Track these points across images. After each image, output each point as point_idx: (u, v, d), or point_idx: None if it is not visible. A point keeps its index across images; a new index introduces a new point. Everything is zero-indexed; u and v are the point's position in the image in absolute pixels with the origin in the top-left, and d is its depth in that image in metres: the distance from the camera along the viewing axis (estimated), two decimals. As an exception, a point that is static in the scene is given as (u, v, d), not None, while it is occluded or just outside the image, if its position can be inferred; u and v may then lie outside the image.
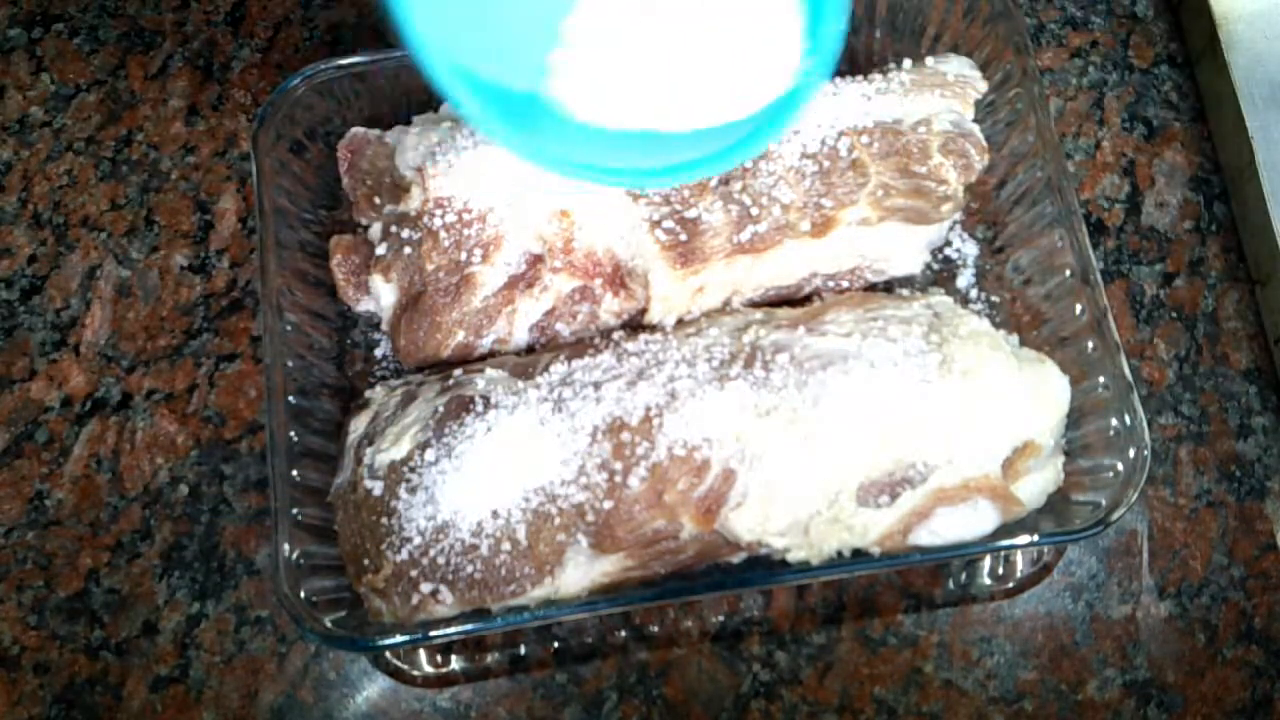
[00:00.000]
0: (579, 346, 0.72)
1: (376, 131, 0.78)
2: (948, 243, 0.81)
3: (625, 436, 0.65)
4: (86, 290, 0.83)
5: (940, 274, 0.80)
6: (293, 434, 0.69)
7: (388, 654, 0.73)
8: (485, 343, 0.73)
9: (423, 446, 0.66)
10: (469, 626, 0.65)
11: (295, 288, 0.75)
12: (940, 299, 0.73)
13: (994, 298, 0.79)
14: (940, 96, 0.75)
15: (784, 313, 0.73)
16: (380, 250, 0.73)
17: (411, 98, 0.80)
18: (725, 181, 0.71)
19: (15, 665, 0.73)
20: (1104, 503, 0.67)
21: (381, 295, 0.74)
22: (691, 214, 0.71)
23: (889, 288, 0.78)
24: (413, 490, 0.65)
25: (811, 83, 0.59)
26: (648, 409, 0.66)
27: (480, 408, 0.67)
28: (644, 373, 0.67)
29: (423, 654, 0.73)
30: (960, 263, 0.80)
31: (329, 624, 0.64)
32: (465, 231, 0.71)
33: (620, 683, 0.72)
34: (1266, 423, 0.78)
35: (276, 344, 0.71)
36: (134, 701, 0.73)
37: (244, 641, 0.74)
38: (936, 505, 0.66)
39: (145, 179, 0.86)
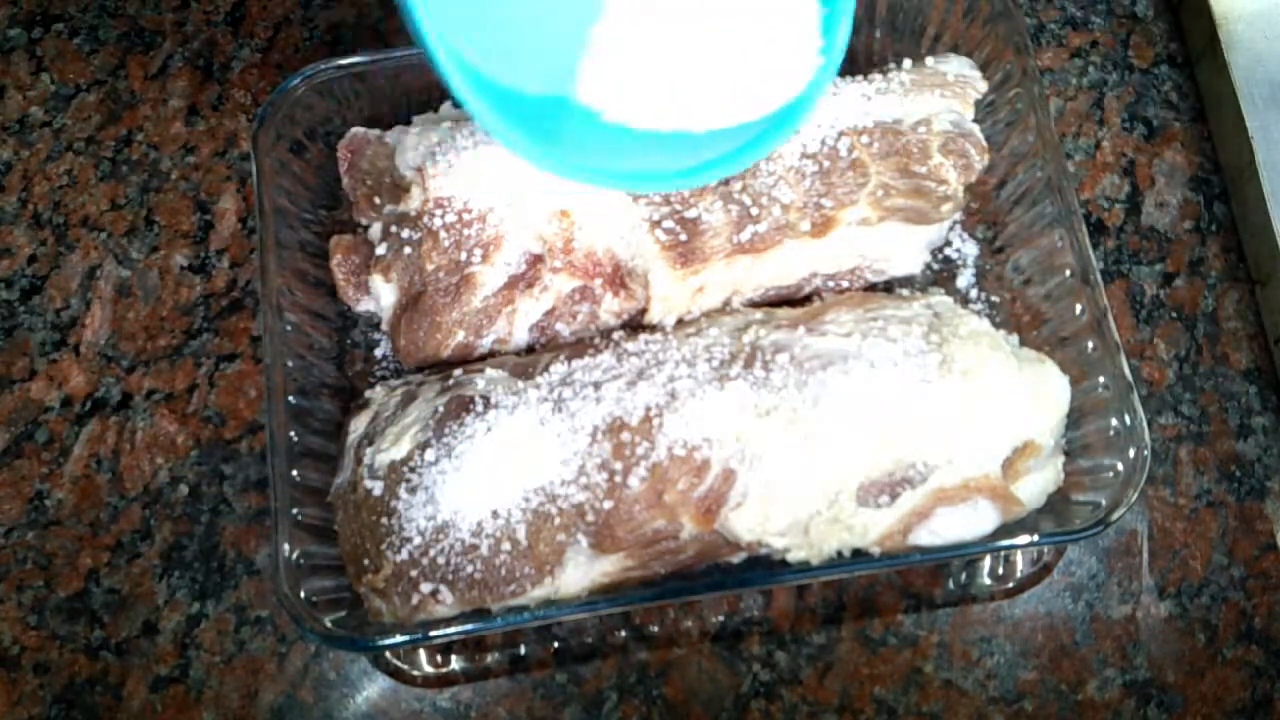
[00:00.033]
0: (579, 346, 0.72)
1: (376, 131, 0.78)
2: (948, 243, 0.81)
3: (625, 436, 0.65)
4: (86, 290, 0.83)
5: (940, 274, 0.80)
6: (293, 434, 0.69)
7: (388, 654, 0.73)
8: (485, 343, 0.73)
9: (423, 446, 0.66)
10: (469, 626, 0.65)
11: (295, 288, 0.75)
12: (940, 299, 0.73)
13: (994, 298, 0.79)
14: (940, 96, 0.75)
15: (784, 313, 0.73)
16: (380, 250, 0.73)
17: (411, 98, 0.80)
18: (725, 181, 0.71)
19: (15, 665, 0.73)
20: (1104, 503, 0.67)
21: (381, 295, 0.74)
22: (691, 214, 0.71)
23: (889, 288, 0.78)
24: (413, 490, 0.65)
25: (825, 79, 0.60)
26: (648, 409, 0.66)
27: (480, 408, 0.67)
28: (644, 373, 0.67)
29: (423, 654, 0.73)
30: (960, 263, 0.80)
31: (329, 624, 0.64)
32: (465, 231, 0.71)
33: (620, 683, 0.72)
34: (1266, 423, 0.78)
35: (276, 344, 0.71)
36: (134, 701, 0.73)
37: (244, 641, 0.74)
38: (936, 505, 0.66)
39: (145, 179, 0.86)
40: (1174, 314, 0.81)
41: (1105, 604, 0.74)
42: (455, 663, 0.73)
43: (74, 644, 0.74)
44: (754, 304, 0.76)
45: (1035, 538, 0.66)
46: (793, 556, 0.68)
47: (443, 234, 0.71)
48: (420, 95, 0.79)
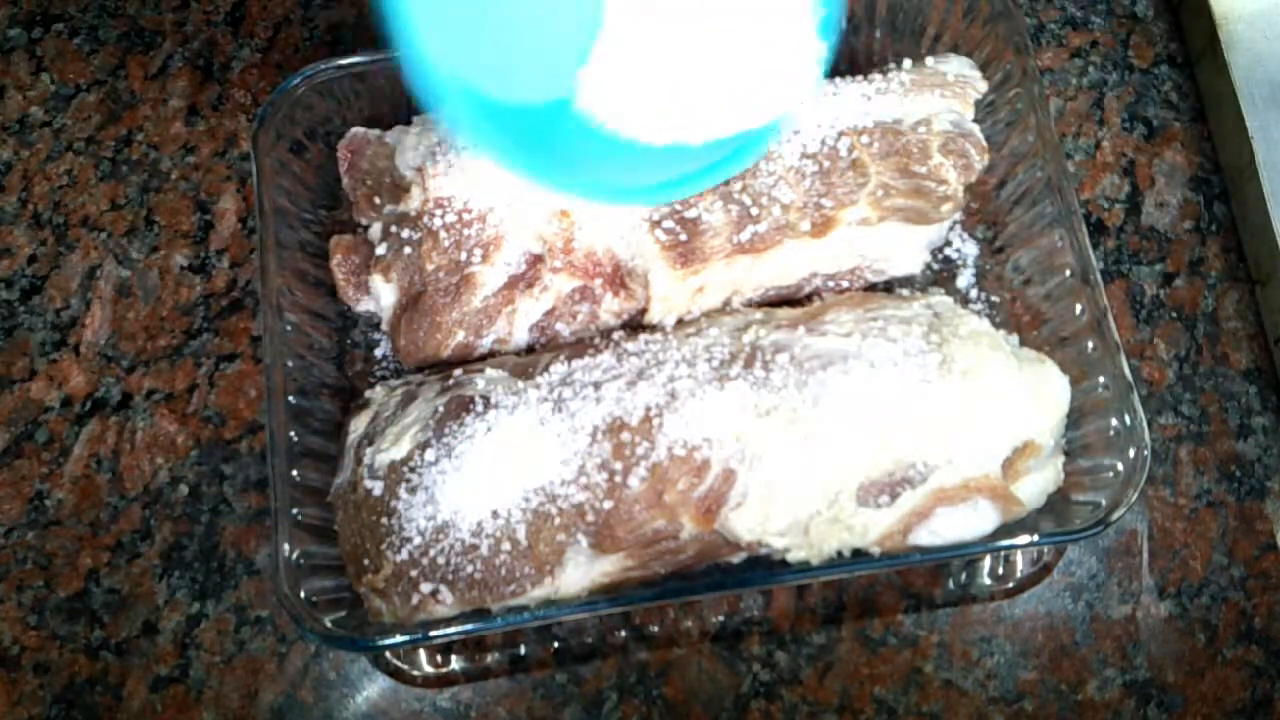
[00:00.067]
0: (579, 346, 0.72)
1: (376, 131, 0.78)
2: (948, 243, 0.81)
3: (625, 436, 0.65)
4: (86, 290, 0.83)
5: (940, 274, 0.80)
6: (293, 434, 0.69)
7: (388, 654, 0.73)
8: (485, 343, 0.73)
9: (423, 446, 0.66)
10: (469, 626, 0.65)
11: (295, 288, 0.75)
12: (940, 299, 0.73)
13: (994, 298, 0.79)
14: (940, 96, 0.75)
15: (784, 313, 0.73)
16: (380, 250, 0.73)
17: (412, 98, 0.79)
18: (725, 181, 0.71)
19: (15, 665, 0.73)
20: (1104, 503, 0.67)
21: (381, 295, 0.74)
22: (691, 214, 0.71)
23: (889, 288, 0.78)
24: (413, 490, 0.65)
25: (811, 87, 0.60)
26: (648, 409, 0.66)
27: (480, 408, 0.67)
28: (644, 373, 0.67)
29: (423, 654, 0.73)
30: (960, 263, 0.80)
31: (329, 624, 0.64)
32: (465, 231, 0.71)
33: (620, 683, 0.72)
34: (1266, 423, 0.78)
35: (276, 344, 0.71)
36: (134, 701, 0.73)
37: (244, 641, 0.74)
38: (936, 505, 0.66)
39: (145, 179, 0.86)
40: (1174, 314, 0.81)
41: (1105, 604, 0.74)
42: (455, 663, 0.73)
43: (74, 644, 0.74)
44: (754, 304, 0.76)
45: (1035, 538, 0.66)
46: (793, 556, 0.68)
47: (443, 234, 0.71)
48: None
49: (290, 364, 0.71)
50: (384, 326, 0.76)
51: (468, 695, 0.72)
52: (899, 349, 0.67)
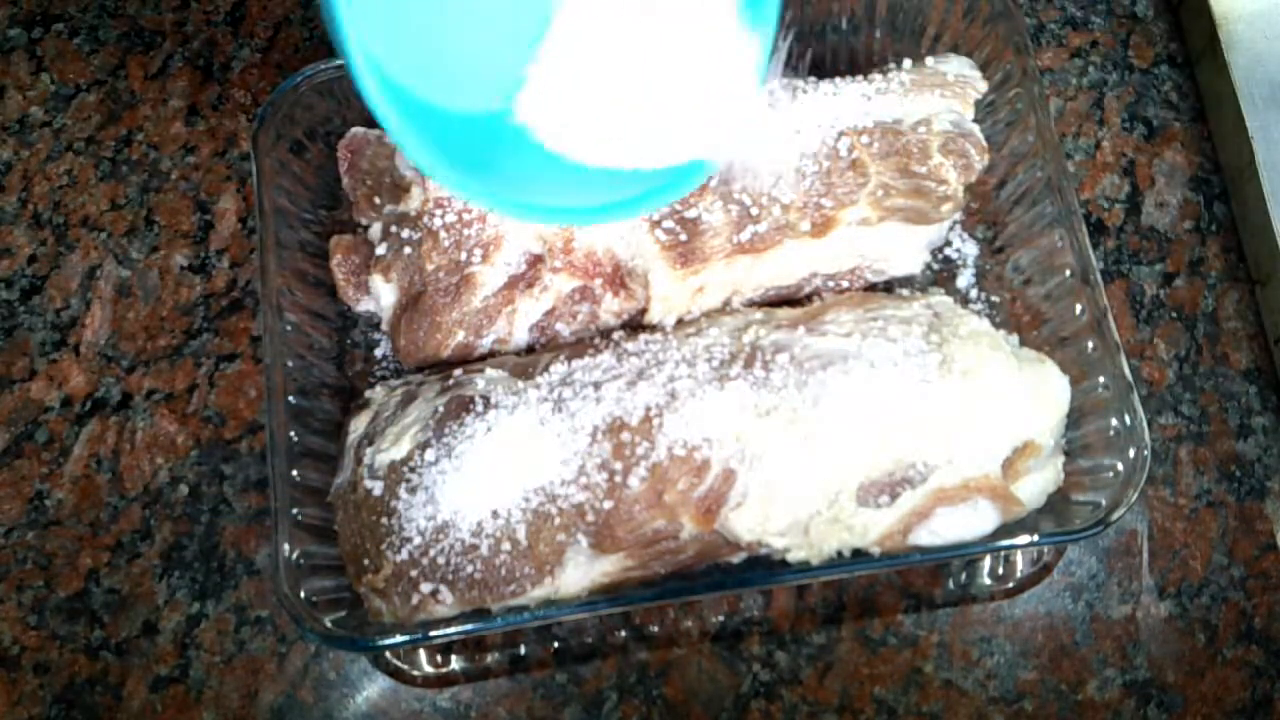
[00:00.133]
0: (579, 346, 0.72)
1: (376, 131, 0.78)
2: (948, 243, 0.81)
3: (625, 436, 0.65)
4: (86, 290, 0.83)
5: (940, 274, 0.80)
6: (293, 434, 0.69)
7: (388, 654, 0.73)
8: (485, 343, 0.73)
9: (423, 446, 0.66)
10: (469, 626, 0.65)
11: (295, 288, 0.75)
12: (940, 299, 0.73)
13: (994, 298, 0.79)
14: (940, 96, 0.75)
15: (784, 313, 0.73)
16: (380, 250, 0.73)
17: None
18: (725, 181, 0.71)
19: (15, 665, 0.73)
20: (1104, 503, 0.67)
21: (381, 295, 0.74)
22: (691, 214, 0.71)
23: (889, 288, 0.78)
24: (413, 490, 0.65)
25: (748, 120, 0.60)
26: (648, 409, 0.66)
27: (480, 408, 0.67)
28: (644, 373, 0.67)
29: (423, 654, 0.73)
30: (960, 263, 0.80)
31: (329, 624, 0.64)
32: (465, 231, 0.71)
33: (620, 683, 0.72)
34: (1266, 423, 0.78)
35: (276, 344, 0.71)
36: (134, 701, 0.73)
37: (244, 641, 0.74)
38: (936, 505, 0.66)
39: (145, 179, 0.86)
40: (1174, 314, 0.81)
41: (1105, 604, 0.74)
42: (455, 663, 0.73)
43: (74, 644, 0.74)
44: (754, 304, 0.76)
45: (1035, 538, 0.66)
46: (793, 556, 0.68)
47: (443, 234, 0.71)
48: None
49: (290, 364, 0.71)
50: (384, 326, 0.76)
51: (468, 695, 0.72)
52: (899, 349, 0.67)
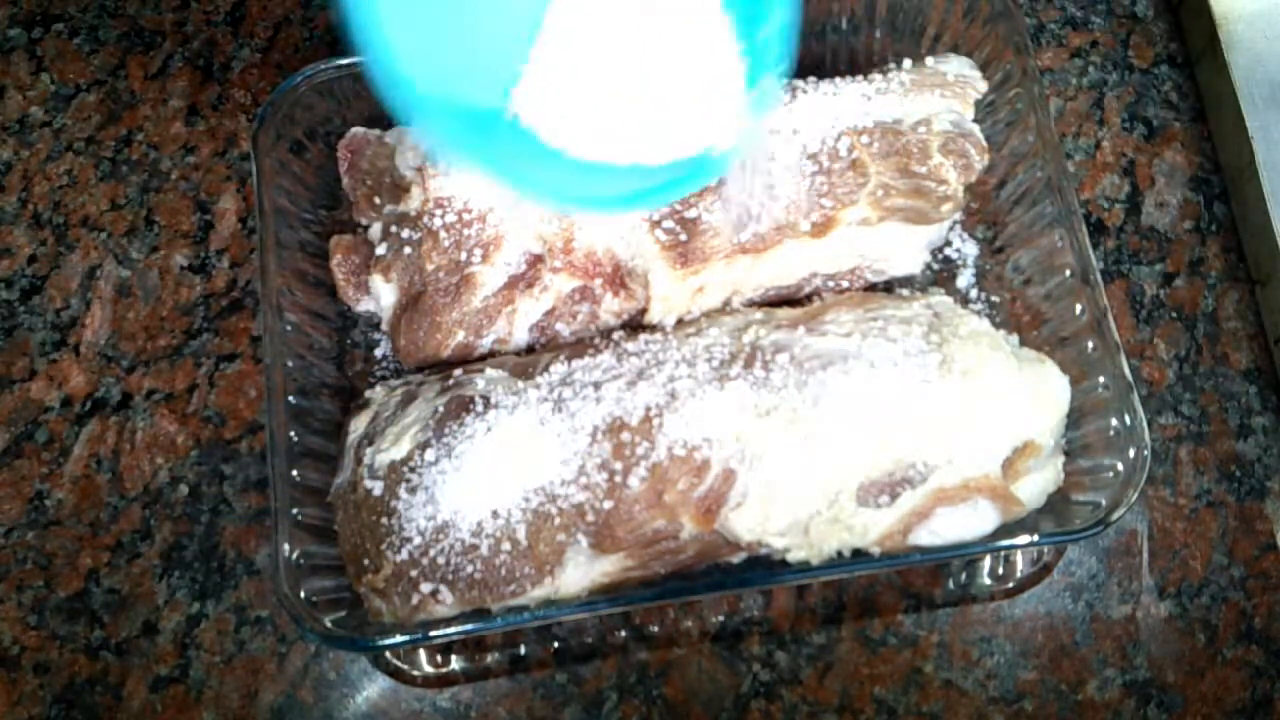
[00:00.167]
0: (579, 346, 0.72)
1: (376, 131, 0.78)
2: (948, 243, 0.81)
3: (625, 436, 0.65)
4: (86, 290, 0.83)
5: (940, 274, 0.80)
6: (293, 434, 0.69)
7: (388, 654, 0.73)
8: (485, 343, 0.73)
9: (423, 446, 0.66)
10: (469, 626, 0.65)
11: (295, 288, 0.75)
12: (940, 299, 0.73)
13: (994, 298, 0.79)
14: (940, 96, 0.75)
15: (784, 313, 0.73)
16: (380, 250, 0.73)
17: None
18: (725, 181, 0.71)
19: (15, 665, 0.73)
20: (1104, 503, 0.67)
21: (381, 295, 0.74)
22: (691, 214, 0.71)
23: (889, 288, 0.78)
24: (413, 490, 0.65)
25: (748, 133, 0.60)
26: (648, 409, 0.66)
27: (480, 408, 0.67)
28: (644, 373, 0.67)
29: (423, 654, 0.73)
30: (960, 263, 0.80)
31: (329, 624, 0.64)
32: (465, 231, 0.71)
33: (620, 683, 0.72)
34: (1266, 423, 0.78)
35: (276, 344, 0.71)
36: (134, 701, 0.73)
37: (244, 641, 0.74)
38: (936, 505, 0.66)
39: (145, 179, 0.86)
40: (1174, 314, 0.81)
41: (1105, 604, 0.74)
42: (455, 663, 0.73)
43: (74, 644, 0.74)
44: (754, 304, 0.76)
45: (1035, 538, 0.66)
46: (793, 556, 0.68)
47: (443, 234, 0.71)
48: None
49: (290, 364, 0.71)
50: (384, 326, 0.76)
51: (468, 695, 0.72)
52: (899, 349, 0.67)
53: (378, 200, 0.75)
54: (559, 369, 0.69)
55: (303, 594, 0.65)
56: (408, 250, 0.72)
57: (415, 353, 0.73)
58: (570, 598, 0.67)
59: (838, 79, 0.76)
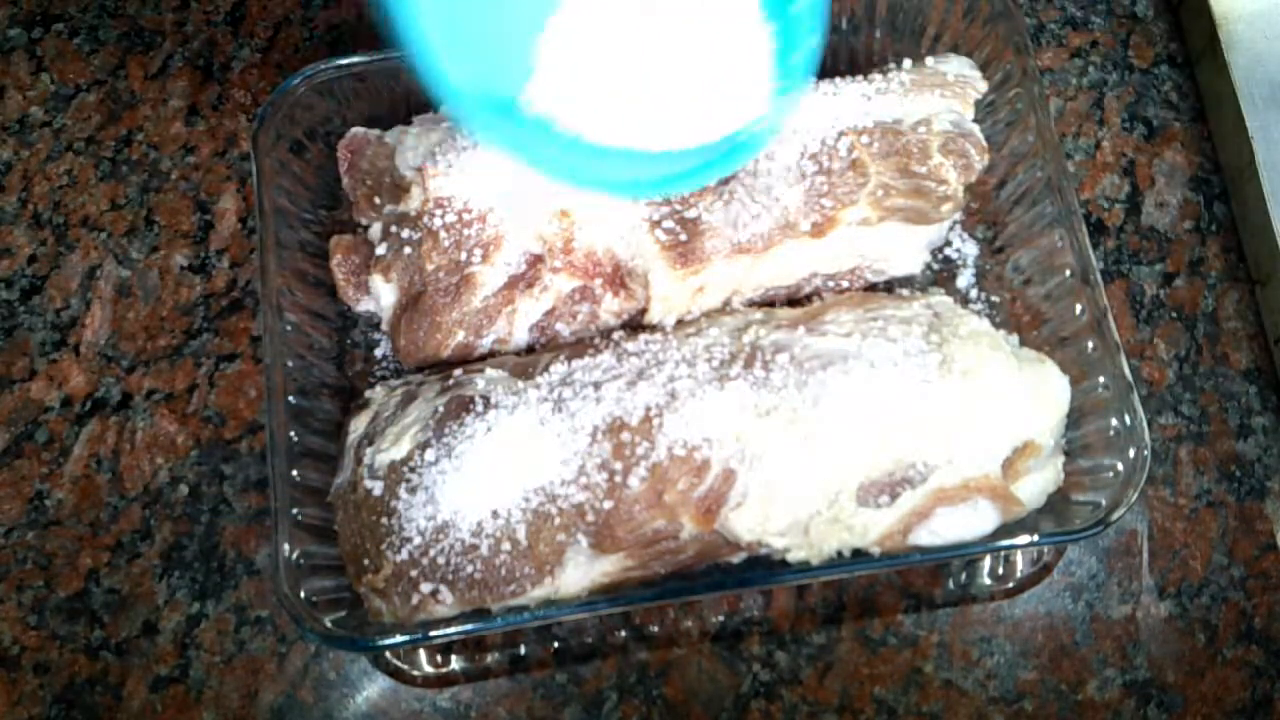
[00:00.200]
0: (579, 346, 0.72)
1: (376, 131, 0.78)
2: (948, 243, 0.81)
3: (625, 436, 0.65)
4: (86, 290, 0.83)
5: (940, 274, 0.80)
6: (293, 434, 0.69)
7: (388, 654, 0.73)
8: (485, 343, 0.73)
9: (423, 446, 0.66)
10: (469, 626, 0.65)
11: (295, 288, 0.75)
12: (940, 299, 0.73)
13: (994, 298, 0.79)
14: (940, 96, 0.75)
15: (784, 313, 0.73)
16: (380, 250, 0.73)
17: (411, 98, 0.80)
18: (725, 181, 0.71)
19: (15, 665, 0.73)
20: (1104, 503, 0.67)
21: (381, 295, 0.74)
22: (691, 214, 0.71)
23: (889, 288, 0.78)
24: (413, 490, 0.65)
25: (782, 110, 0.60)
26: (648, 409, 0.66)
27: (480, 408, 0.67)
28: (644, 373, 0.67)
29: (423, 654, 0.73)
30: (960, 263, 0.80)
31: (329, 624, 0.64)
32: (465, 231, 0.71)
33: (620, 683, 0.72)
34: (1266, 423, 0.78)
35: (276, 344, 0.71)
36: (134, 701, 0.73)
37: (244, 641, 0.74)
38: (936, 505, 0.66)
39: (145, 179, 0.86)
40: (1174, 314, 0.81)
41: (1105, 604, 0.74)
42: (455, 663, 0.73)
43: (74, 644, 0.74)
44: (754, 304, 0.76)
45: (1035, 538, 0.66)
46: (793, 556, 0.68)
47: (443, 234, 0.71)
48: (420, 95, 0.79)
49: (290, 364, 0.71)
50: (384, 326, 0.76)
51: (468, 695, 0.72)
52: (899, 349, 0.67)
53: (378, 200, 0.75)
54: (559, 369, 0.69)
55: (303, 594, 0.65)
56: (408, 250, 0.72)
57: (415, 353, 0.73)
58: (570, 598, 0.67)
59: (838, 79, 0.76)
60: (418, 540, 0.65)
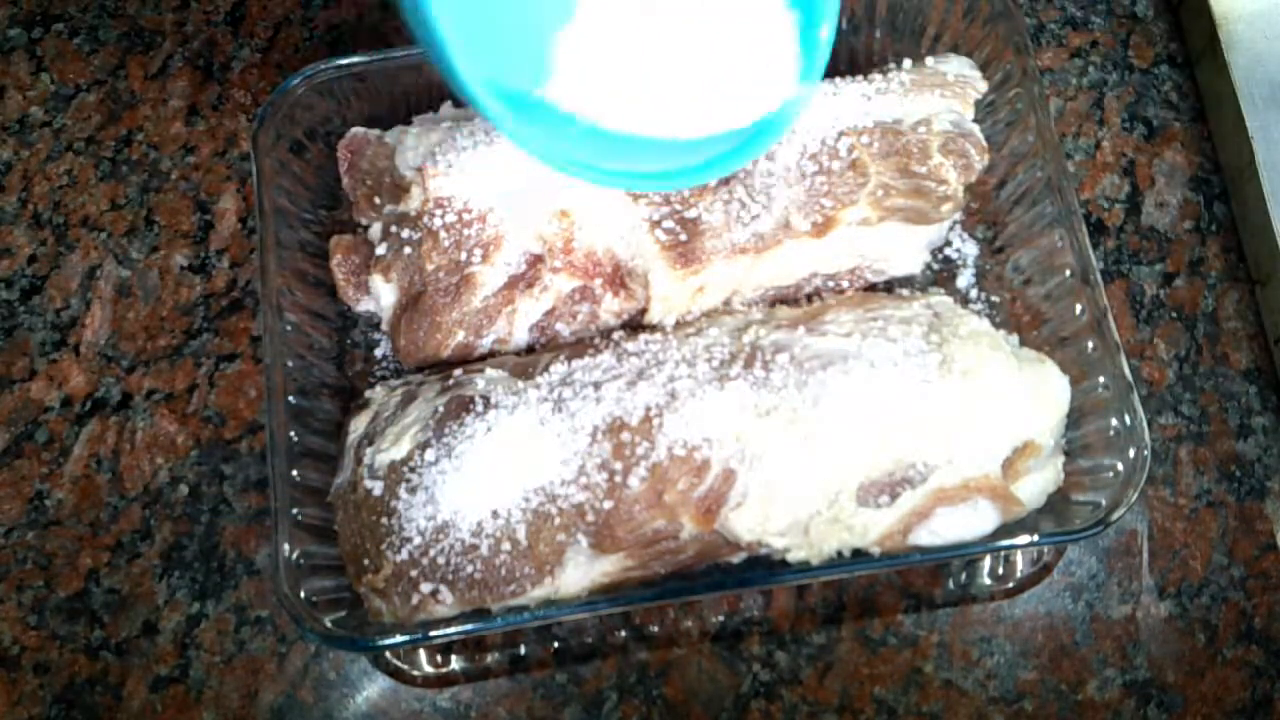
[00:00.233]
0: (579, 346, 0.72)
1: (376, 131, 0.78)
2: (948, 243, 0.81)
3: (625, 436, 0.65)
4: (86, 290, 0.83)
5: (940, 274, 0.80)
6: (293, 434, 0.69)
7: (388, 654, 0.73)
8: (485, 343, 0.73)
9: (423, 446, 0.66)
10: (469, 626, 0.65)
11: (295, 288, 0.75)
12: (940, 299, 0.73)
13: (994, 298, 0.79)
14: (940, 96, 0.75)
15: (784, 313, 0.73)
16: (380, 250, 0.73)
17: (411, 98, 0.80)
18: (725, 181, 0.71)
19: (15, 665, 0.73)
20: (1104, 503, 0.67)
21: (381, 295, 0.74)
22: (691, 214, 0.71)
23: (889, 288, 0.78)
24: (413, 490, 0.65)
25: (805, 95, 0.60)
26: (648, 409, 0.66)
27: (480, 408, 0.67)
28: (644, 373, 0.67)
29: (423, 654, 0.73)
30: (960, 263, 0.80)
31: (329, 624, 0.64)
32: (465, 231, 0.71)
33: (620, 683, 0.72)
34: (1266, 423, 0.78)
35: (276, 344, 0.71)
36: (134, 701, 0.73)
37: (244, 641, 0.74)
38: (936, 505, 0.66)
39: (145, 179, 0.86)
40: (1174, 314, 0.81)
41: (1105, 604, 0.74)
42: (455, 663, 0.73)
43: (74, 644, 0.74)
44: (754, 304, 0.76)
45: (1035, 538, 0.66)
46: (793, 556, 0.68)
47: (443, 234, 0.71)
48: (420, 95, 0.79)
49: (290, 364, 0.71)
50: (384, 326, 0.76)
51: (468, 695, 0.72)
52: (899, 349, 0.67)
53: (378, 200, 0.75)
54: (559, 369, 0.69)
55: (303, 594, 0.65)
56: (408, 250, 0.72)
57: (415, 353, 0.73)
58: (570, 598, 0.67)
59: (838, 79, 0.76)
60: (418, 540, 0.65)
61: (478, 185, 0.71)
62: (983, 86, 0.77)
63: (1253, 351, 0.80)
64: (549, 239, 0.71)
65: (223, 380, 0.80)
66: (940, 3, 0.80)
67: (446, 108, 0.79)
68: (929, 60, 0.78)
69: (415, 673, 0.73)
